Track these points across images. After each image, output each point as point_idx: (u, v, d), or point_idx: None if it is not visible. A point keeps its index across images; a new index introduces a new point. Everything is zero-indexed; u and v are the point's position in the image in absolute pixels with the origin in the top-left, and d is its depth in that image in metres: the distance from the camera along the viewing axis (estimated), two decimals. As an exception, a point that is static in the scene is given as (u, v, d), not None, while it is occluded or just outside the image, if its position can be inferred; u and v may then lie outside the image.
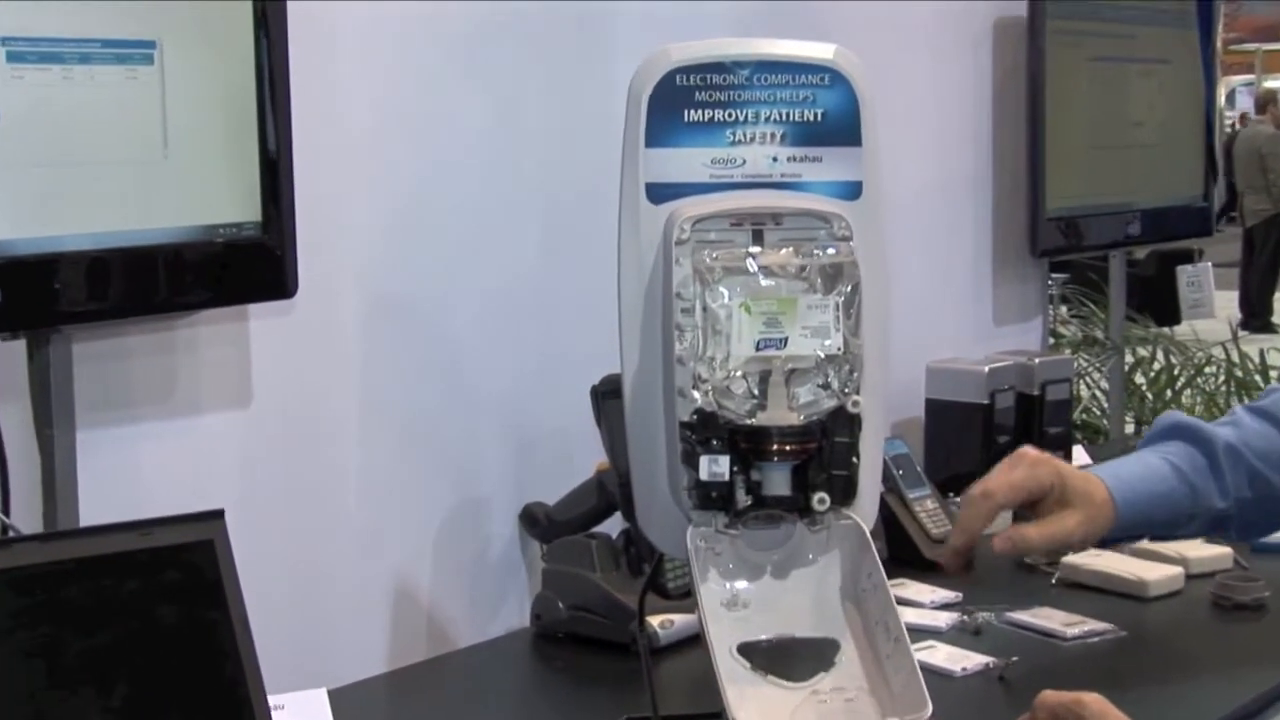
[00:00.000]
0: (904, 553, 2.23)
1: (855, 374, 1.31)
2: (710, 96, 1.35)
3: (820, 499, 1.31)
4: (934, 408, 2.62)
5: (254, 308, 1.77)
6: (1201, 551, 2.16)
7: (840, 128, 1.37)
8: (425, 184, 2.00)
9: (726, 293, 1.30)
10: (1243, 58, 19.01)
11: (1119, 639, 1.93)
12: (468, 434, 2.06)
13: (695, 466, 1.30)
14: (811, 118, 1.36)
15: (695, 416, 1.30)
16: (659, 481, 1.36)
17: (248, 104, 1.62)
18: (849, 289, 1.31)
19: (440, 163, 2.01)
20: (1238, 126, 13.31)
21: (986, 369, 2.60)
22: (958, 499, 1.94)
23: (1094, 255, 3.66)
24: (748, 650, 1.29)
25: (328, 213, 1.82)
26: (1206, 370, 4.77)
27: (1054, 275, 4.02)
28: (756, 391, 1.31)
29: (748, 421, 1.30)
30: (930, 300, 2.80)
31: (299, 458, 1.86)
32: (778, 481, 1.31)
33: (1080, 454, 2.77)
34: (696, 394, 1.30)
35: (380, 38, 1.92)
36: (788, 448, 1.30)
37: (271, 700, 1.30)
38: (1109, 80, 3.06)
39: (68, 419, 1.57)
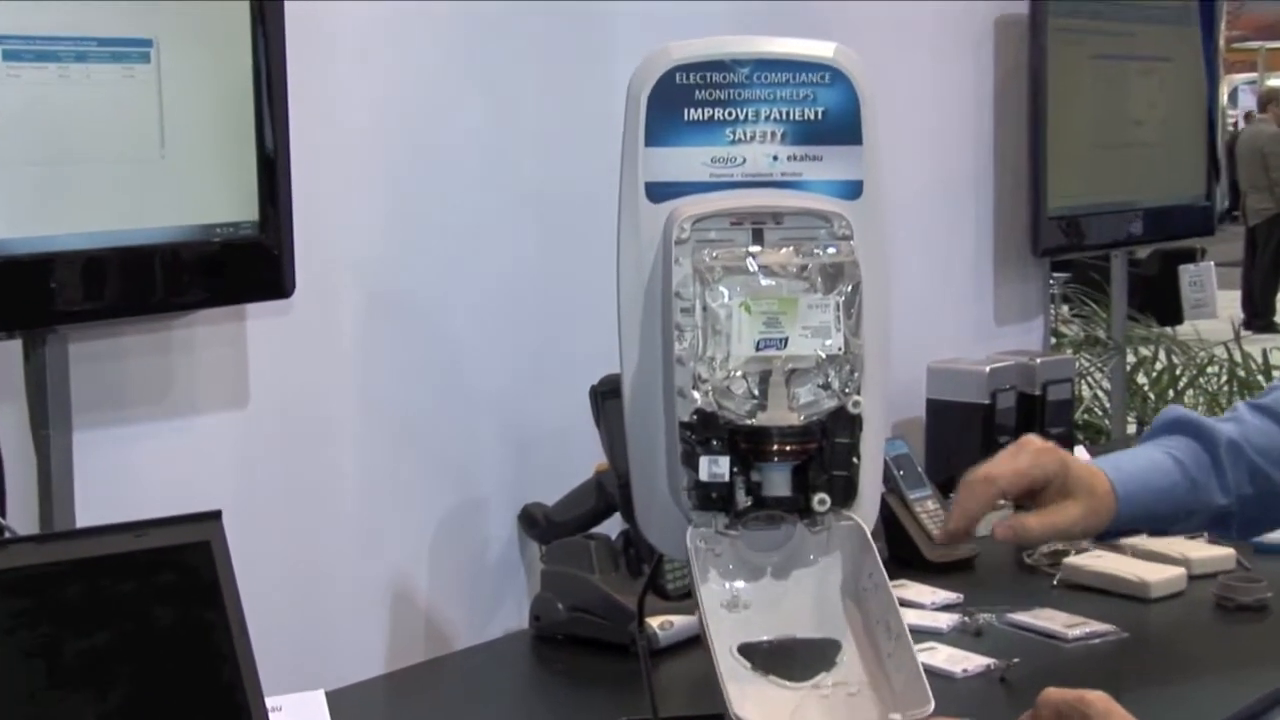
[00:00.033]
0: (905, 553, 2.22)
1: (856, 374, 1.31)
2: (710, 95, 1.35)
3: (821, 500, 1.31)
4: (935, 408, 2.62)
5: (251, 307, 1.77)
6: (1204, 552, 2.16)
7: (841, 126, 1.36)
8: (423, 183, 1.99)
9: (726, 292, 1.30)
10: (1245, 56, 19.00)
11: (1121, 640, 1.92)
12: (466, 434, 2.05)
13: (695, 467, 1.30)
14: (812, 116, 1.36)
15: (695, 417, 1.29)
16: (658, 482, 1.35)
17: (245, 103, 1.62)
18: (849, 289, 1.31)
19: (439, 162, 2.00)
20: (1240, 125, 13.32)
21: (988, 369, 2.59)
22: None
23: (1095, 255, 3.66)
24: (748, 651, 1.28)
25: (325, 212, 1.82)
26: (1209, 370, 4.77)
27: (1055, 275, 4.02)
28: (756, 392, 1.30)
29: (748, 422, 1.29)
30: (931, 300, 2.80)
31: (296, 458, 1.86)
32: (778, 482, 1.31)
33: (1082, 454, 2.75)
34: (696, 394, 1.29)
35: (378, 36, 1.92)
36: (788, 448, 1.30)
37: (269, 702, 1.30)
38: (1111, 78, 3.06)
39: (64, 419, 1.57)
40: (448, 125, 2.01)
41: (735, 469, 1.30)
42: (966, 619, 1.97)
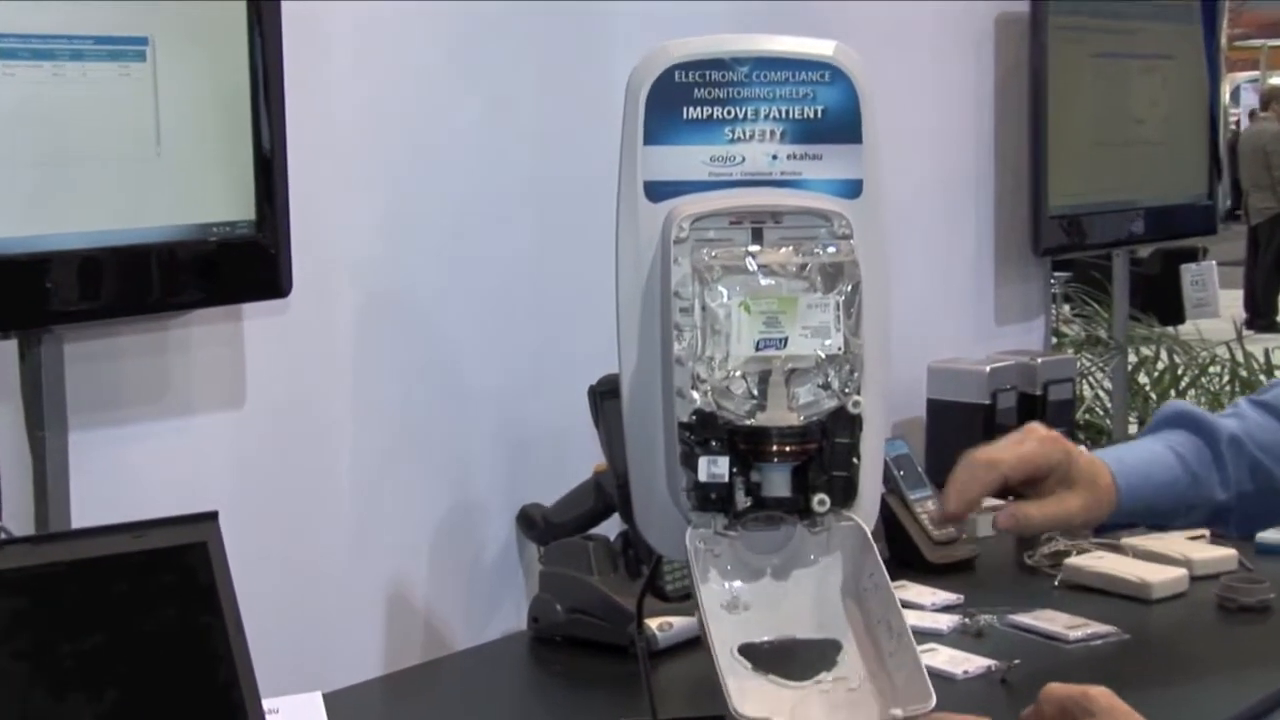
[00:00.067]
0: (905, 554, 2.22)
1: (856, 374, 1.30)
2: (709, 94, 1.34)
3: (820, 500, 1.30)
4: (935, 408, 2.61)
5: (248, 307, 1.76)
6: (1206, 553, 2.15)
7: (841, 125, 1.35)
8: (421, 183, 1.98)
9: (726, 292, 1.29)
10: (1248, 54, 19.00)
11: (1122, 641, 1.92)
12: (464, 435, 2.04)
13: (694, 468, 1.29)
14: (811, 115, 1.35)
15: (694, 417, 1.29)
16: (657, 483, 1.35)
17: (241, 101, 1.61)
18: (849, 288, 1.30)
19: (437, 161, 1.99)
20: (1243, 124, 13.31)
21: (988, 369, 2.59)
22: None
23: (1097, 254, 3.65)
24: (749, 652, 1.28)
25: (322, 211, 1.81)
26: (1211, 370, 4.76)
27: (1056, 274, 4.02)
28: (756, 392, 1.30)
29: (747, 422, 1.29)
30: (931, 299, 2.79)
31: (293, 459, 1.85)
32: (777, 483, 1.30)
33: (1083, 453, 2.76)
34: (695, 394, 1.28)
35: (375, 35, 1.91)
36: (787, 449, 1.29)
37: (266, 704, 1.29)
38: (1112, 77, 3.05)
39: (60, 420, 1.56)
40: (445, 124, 2.00)
41: (735, 469, 1.29)
42: (967, 620, 1.96)
